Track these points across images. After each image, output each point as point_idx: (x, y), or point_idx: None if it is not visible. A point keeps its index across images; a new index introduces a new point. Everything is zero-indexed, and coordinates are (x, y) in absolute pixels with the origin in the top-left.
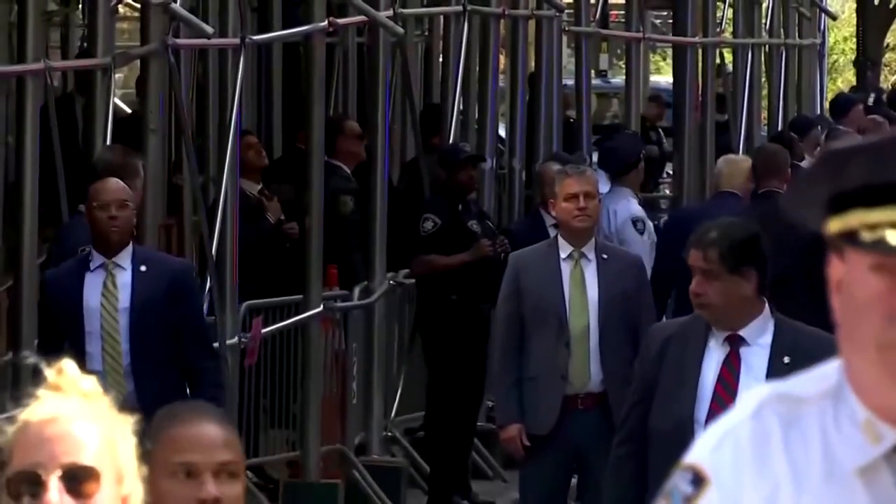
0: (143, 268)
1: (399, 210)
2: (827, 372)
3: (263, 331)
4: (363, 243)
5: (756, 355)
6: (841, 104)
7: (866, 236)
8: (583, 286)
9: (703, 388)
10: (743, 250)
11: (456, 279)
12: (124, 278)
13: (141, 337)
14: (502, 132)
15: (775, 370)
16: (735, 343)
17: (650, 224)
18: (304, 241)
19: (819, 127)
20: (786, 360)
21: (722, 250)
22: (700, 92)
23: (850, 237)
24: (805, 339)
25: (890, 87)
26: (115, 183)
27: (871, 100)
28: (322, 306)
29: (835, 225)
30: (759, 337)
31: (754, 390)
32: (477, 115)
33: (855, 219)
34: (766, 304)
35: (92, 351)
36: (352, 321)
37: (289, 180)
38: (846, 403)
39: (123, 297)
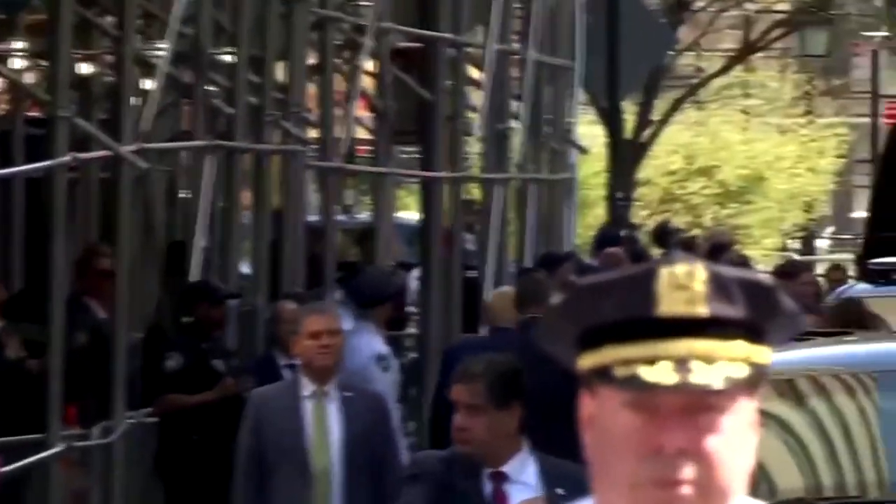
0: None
1: (144, 348)
2: None
3: (3, 469)
4: (101, 381)
5: (522, 493)
6: (605, 239)
7: (619, 372)
8: (325, 425)
9: None
10: (508, 385)
11: (199, 418)
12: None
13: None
14: (246, 269)
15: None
16: (499, 480)
17: (395, 362)
18: (43, 378)
19: (569, 262)
20: (560, 491)
21: (488, 385)
22: (448, 227)
23: (603, 373)
24: (571, 469)
25: (657, 224)
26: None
27: (625, 234)
28: (63, 445)
29: (587, 361)
30: (522, 474)
31: None
32: (220, 252)
33: (608, 355)
34: (523, 441)
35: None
36: (92, 460)
37: (29, 317)
38: None
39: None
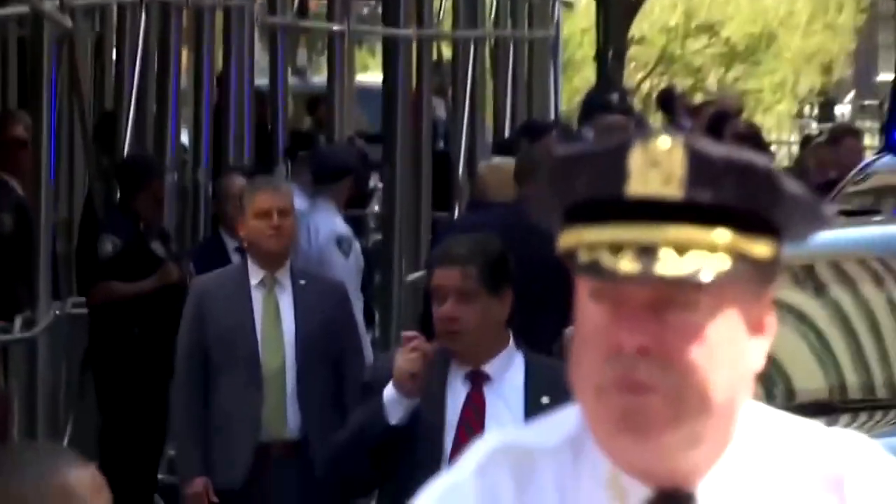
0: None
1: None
2: (566, 418)
3: None
4: (25, 267)
5: (504, 396)
6: (592, 105)
7: (582, 257)
8: (277, 318)
9: (447, 435)
10: (500, 268)
11: (138, 309)
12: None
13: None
14: (185, 140)
15: (532, 413)
16: (478, 381)
17: (357, 245)
18: None
19: (555, 131)
20: (545, 400)
21: (480, 267)
22: (415, 92)
23: (571, 257)
24: (560, 372)
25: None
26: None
27: (615, 99)
28: None
29: (562, 241)
30: (506, 373)
31: (480, 441)
32: (156, 121)
33: (573, 237)
34: (511, 336)
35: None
36: (12, 357)
37: None
38: (587, 456)
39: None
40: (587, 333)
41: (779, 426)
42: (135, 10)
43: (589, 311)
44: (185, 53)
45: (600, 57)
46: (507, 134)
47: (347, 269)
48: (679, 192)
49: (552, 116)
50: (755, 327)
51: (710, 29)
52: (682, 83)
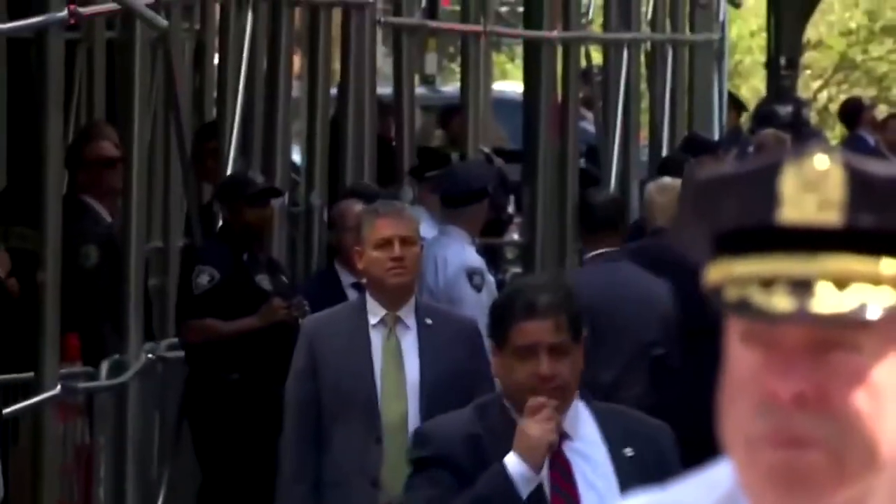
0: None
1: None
2: (716, 476)
3: None
4: (114, 305)
5: (586, 454)
6: (767, 118)
7: (730, 294)
8: (399, 362)
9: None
10: (579, 313)
11: (239, 351)
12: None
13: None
14: (297, 158)
15: (621, 469)
16: (559, 441)
17: (490, 278)
18: (35, 301)
19: (722, 149)
20: (628, 452)
21: (569, 316)
22: (560, 102)
23: (718, 294)
24: (635, 424)
25: (846, 100)
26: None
27: (788, 113)
28: (59, 387)
29: (709, 276)
30: (579, 428)
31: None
32: (263, 135)
33: (721, 270)
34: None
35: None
36: (98, 406)
37: (18, 220)
38: None
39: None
40: (738, 380)
41: None
42: (240, 8)
43: (739, 354)
44: (297, 58)
45: (771, 63)
46: (664, 151)
47: (480, 305)
48: (839, 217)
49: (717, 131)
50: None
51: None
52: (864, 93)
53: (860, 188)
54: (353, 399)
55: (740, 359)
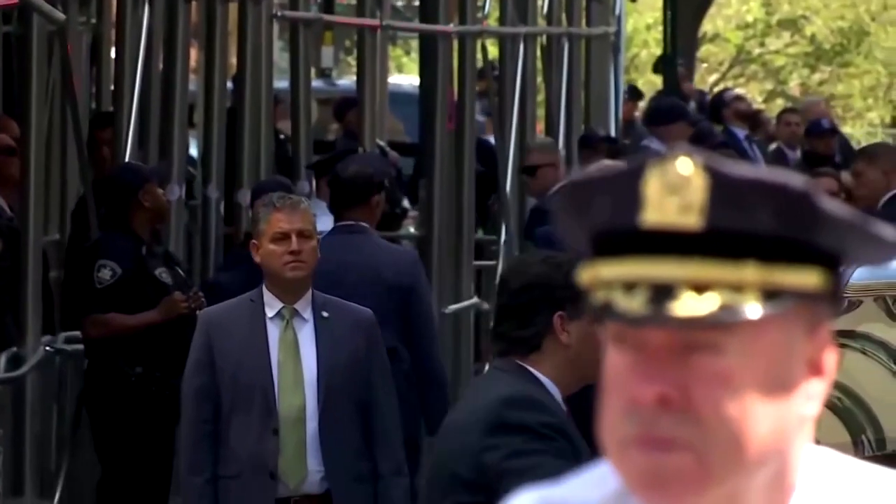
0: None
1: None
2: (606, 473)
3: None
4: (15, 299)
5: None
6: (663, 112)
7: (597, 296)
8: (297, 354)
9: None
10: None
11: (140, 345)
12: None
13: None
14: (193, 151)
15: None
16: None
17: None
18: None
19: (614, 143)
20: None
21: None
22: (456, 96)
23: (588, 296)
24: None
25: (715, 94)
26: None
27: (692, 107)
28: None
29: (580, 278)
30: None
31: (516, 497)
32: (160, 128)
33: (589, 273)
34: None
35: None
36: None
37: None
38: None
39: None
40: (610, 382)
41: (856, 478)
42: (136, 1)
43: (611, 356)
44: (193, 51)
45: (667, 57)
46: (560, 145)
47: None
48: (699, 221)
49: (613, 124)
50: (809, 367)
51: (792, 25)
52: (760, 87)
53: (721, 191)
54: (250, 391)
55: (612, 361)
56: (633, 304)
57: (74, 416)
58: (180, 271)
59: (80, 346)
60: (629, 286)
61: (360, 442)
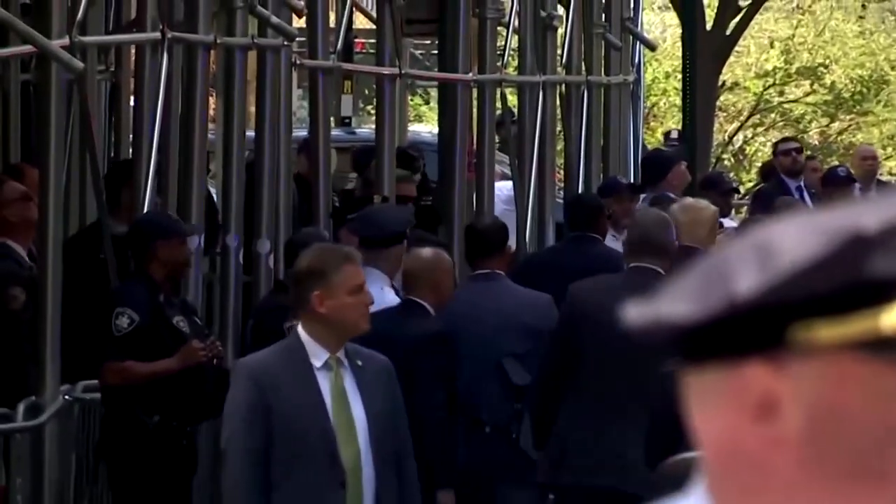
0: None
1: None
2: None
3: None
4: (30, 345)
5: None
6: (657, 164)
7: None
8: (347, 403)
9: None
10: None
11: (157, 394)
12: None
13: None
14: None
15: None
16: None
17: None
18: None
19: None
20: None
21: None
22: (475, 144)
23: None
24: None
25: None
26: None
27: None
28: None
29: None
30: None
31: None
32: (179, 177)
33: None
34: None
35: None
36: (15, 448)
37: None
38: None
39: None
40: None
41: None
42: (155, 50)
43: None
44: (211, 99)
45: (687, 105)
46: (579, 189)
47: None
48: None
49: (632, 172)
50: None
51: (812, 73)
52: (779, 135)
53: None
54: (310, 446)
55: None
56: None
57: (93, 465)
58: (197, 320)
59: (97, 395)
60: None
61: (397, 485)
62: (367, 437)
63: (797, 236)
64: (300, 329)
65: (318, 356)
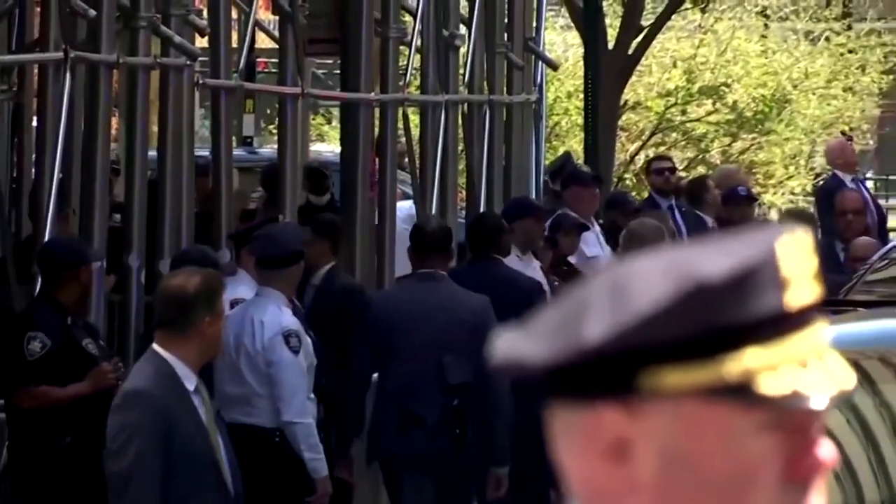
0: None
1: None
2: None
3: None
4: None
5: None
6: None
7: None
8: (215, 426)
9: None
10: None
11: (68, 415)
12: None
13: None
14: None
15: None
16: None
17: (307, 339)
18: None
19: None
20: None
21: None
22: (376, 164)
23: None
24: None
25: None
26: None
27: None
28: None
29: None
30: None
31: None
32: (80, 197)
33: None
34: None
35: None
36: None
37: None
38: None
39: None
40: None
41: None
42: (58, 70)
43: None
44: (114, 120)
45: (589, 125)
46: (481, 209)
47: (297, 367)
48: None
49: (534, 192)
50: None
51: (714, 92)
52: (681, 155)
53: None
54: (203, 471)
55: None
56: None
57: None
58: (101, 342)
59: (2, 416)
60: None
61: None
62: (226, 460)
63: (648, 280)
64: (163, 352)
65: (189, 379)
